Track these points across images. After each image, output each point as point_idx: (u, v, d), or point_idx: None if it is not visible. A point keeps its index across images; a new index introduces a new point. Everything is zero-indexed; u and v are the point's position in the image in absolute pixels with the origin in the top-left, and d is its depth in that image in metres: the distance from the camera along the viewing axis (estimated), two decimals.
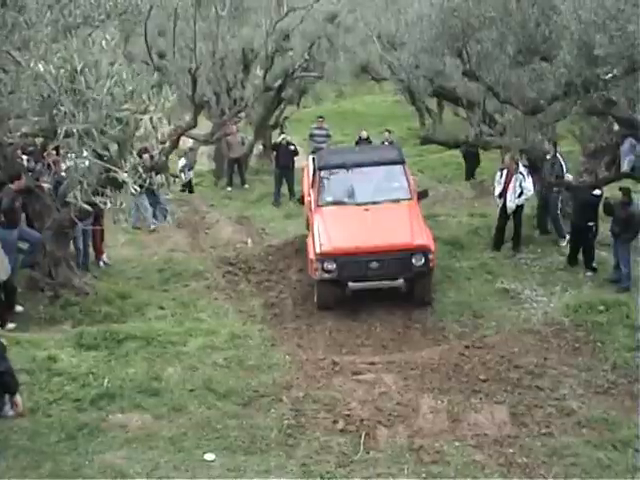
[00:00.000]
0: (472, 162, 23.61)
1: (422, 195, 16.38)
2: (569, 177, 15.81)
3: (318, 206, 15.64)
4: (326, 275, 14.01)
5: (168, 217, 18.33)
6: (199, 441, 8.99)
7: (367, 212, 15.12)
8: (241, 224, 19.68)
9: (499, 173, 16.42)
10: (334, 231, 14.78)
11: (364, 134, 24.94)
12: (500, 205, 16.26)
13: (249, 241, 18.03)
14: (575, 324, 11.99)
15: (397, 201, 15.60)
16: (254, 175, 26.99)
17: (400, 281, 13.91)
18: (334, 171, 16.29)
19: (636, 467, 8.48)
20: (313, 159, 17.77)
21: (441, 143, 25.33)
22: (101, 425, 9.16)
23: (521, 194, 15.89)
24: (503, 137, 16.72)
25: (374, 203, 15.40)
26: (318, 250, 14.24)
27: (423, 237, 14.34)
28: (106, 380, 9.98)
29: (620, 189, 14.24)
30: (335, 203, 15.70)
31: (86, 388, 9.84)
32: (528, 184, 15.90)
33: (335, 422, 9.37)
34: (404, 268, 13.95)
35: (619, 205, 14.13)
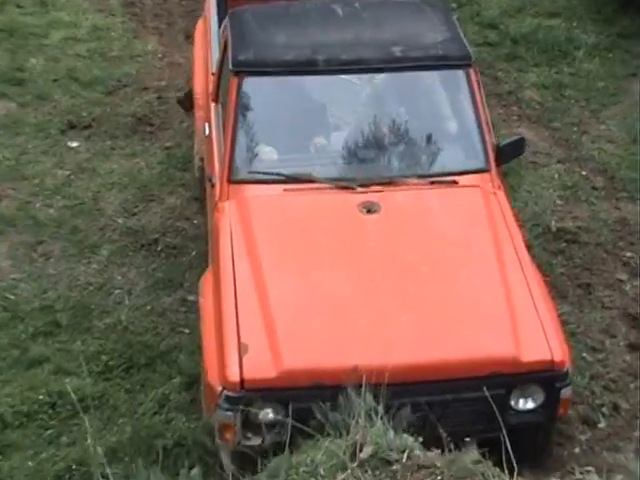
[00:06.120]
0: None
1: (512, 151, 6.26)
2: None
3: (231, 183, 5.84)
4: (252, 443, 4.73)
5: None
6: (65, 128, 9.34)
7: (374, 218, 5.68)
8: None
9: None
10: (284, 303, 5.24)
11: None
12: None
13: None
14: None
15: (452, 178, 5.98)
16: None
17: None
18: (277, 79, 6.20)
19: None
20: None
21: None
22: None
23: None
24: None
25: (390, 181, 5.89)
26: (233, 369, 4.82)
27: (546, 332, 5.12)
28: None
29: None
30: (278, 179, 5.87)
31: None
32: None
33: None
34: (488, 419, 4.69)
35: None
